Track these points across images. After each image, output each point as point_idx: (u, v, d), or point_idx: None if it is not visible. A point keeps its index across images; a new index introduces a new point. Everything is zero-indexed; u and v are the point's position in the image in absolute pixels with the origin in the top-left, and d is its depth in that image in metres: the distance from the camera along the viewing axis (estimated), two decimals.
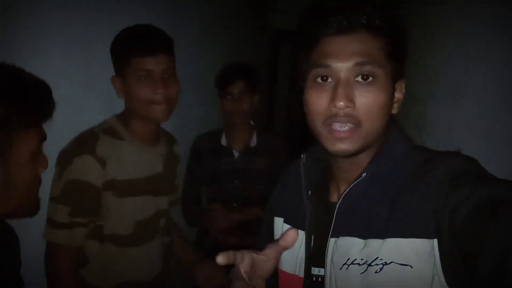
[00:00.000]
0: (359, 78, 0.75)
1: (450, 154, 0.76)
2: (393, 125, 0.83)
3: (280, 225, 0.94)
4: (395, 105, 0.82)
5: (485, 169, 0.71)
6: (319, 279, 0.82)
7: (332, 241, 0.79)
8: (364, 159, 0.80)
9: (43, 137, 0.87)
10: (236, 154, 1.98)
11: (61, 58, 1.43)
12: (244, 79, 1.94)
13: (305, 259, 0.85)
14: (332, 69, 0.75)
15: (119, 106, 1.35)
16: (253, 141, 1.98)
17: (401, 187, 0.75)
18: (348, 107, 0.73)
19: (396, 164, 0.79)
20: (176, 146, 1.55)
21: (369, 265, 0.73)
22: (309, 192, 0.87)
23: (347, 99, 0.73)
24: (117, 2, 1.63)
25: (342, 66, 0.75)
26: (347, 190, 0.80)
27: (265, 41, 4.27)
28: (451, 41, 1.72)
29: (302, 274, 0.85)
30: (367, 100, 0.74)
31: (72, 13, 1.45)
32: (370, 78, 0.74)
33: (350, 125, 0.74)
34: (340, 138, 0.75)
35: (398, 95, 0.82)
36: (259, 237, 1.02)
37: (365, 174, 0.78)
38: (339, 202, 0.80)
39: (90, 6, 1.51)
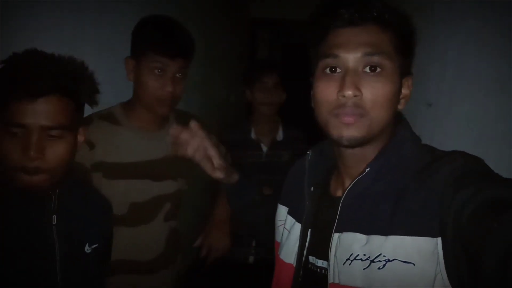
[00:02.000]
0: (367, 69, 0.75)
1: (457, 153, 0.76)
2: (402, 123, 0.83)
3: (284, 213, 0.97)
4: (402, 101, 0.81)
5: (491, 169, 0.71)
6: (323, 271, 0.83)
7: (336, 236, 0.79)
8: (369, 154, 0.80)
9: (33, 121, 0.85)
10: (264, 148, 2.02)
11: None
12: (278, 72, 2.03)
13: (298, 251, 0.87)
14: (341, 59, 0.76)
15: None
16: (280, 135, 2.04)
17: (406, 185, 0.75)
18: (356, 96, 0.74)
19: (402, 162, 0.78)
20: None
21: (372, 261, 0.73)
22: (311, 188, 0.88)
23: (355, 88, 0.74)
24: None
25: (351, 56, 0.75)
26: (351, 185, 0.80)
27: (245, 29, 4.29)
28: (447, 39, 1.75)
29: (295, 264, 0.88)
30: (374, 90, 0.74)
31: (70, 12, 1.45)
32: (378, 69, 0.75)
33: (357, 114, 0.75)
34: (346, 123, 0.75)
35: (405, 91, 0.81)
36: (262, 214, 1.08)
37: (368, 169, 0.78)
38: (343, 197, 0.80)
39: (89, 5, 1.51)
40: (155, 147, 1.38)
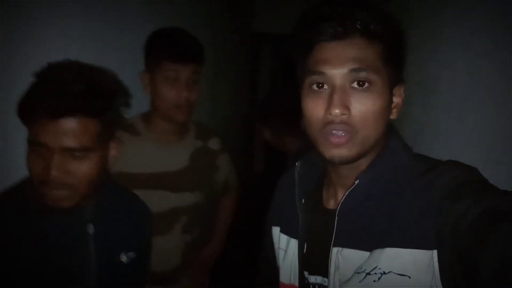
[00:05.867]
0: (355, 85, 0.73)
1: (451, 164, 0.74)
2: (392, 133, 0.82)
3: (277, 234, 0.92)
4: (394, 110, 0.79)
5: (486, 179, 0.70)
6: (316, 286, 0.81)
7: (334, 250, 0.77)
8: (363, 164, 0.78)
9: (51, 139, 0.83)
10: None
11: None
12: None
13: (298, 267, 0.84)
14: (327, 76, 0.74)
15: None
16: None
17: (401, 197, 0.73)
18: (344, 114, 0.72)
19: (396, 173, 0.77)
20: (213, 141, 1.56)
21: (368, 273, 0.71)
22: (302, 200, 0.86)
23: (342, 106, 0.72)
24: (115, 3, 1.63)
25: (337, 73, 0.73)
26: (344, 197, 0.78)
27: (247, 44, 4.35)
28: (449, 45, 1.78)
29: (297, 283, 0.85)
30: (363, 107, 0.72)
31: (72, 11, 1.44)
32: (366, 84, 0.73)
33: (346, 132, 0.73)
34: (337, 144, 0.73)
35: (396, 100, 0.79)
36: (264, 245, 1.02)
37: (358, 181, 0.77)
38: (338, 210, 0.78)
39: (89, 5, 1.51)
40: (173, 158, 1.41)
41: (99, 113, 0.87)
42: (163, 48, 1.32)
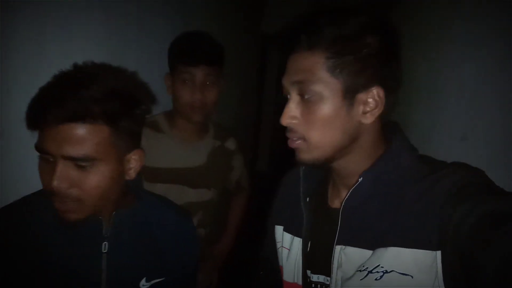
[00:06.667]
0: (305, 94, 0.76)
1: (457, 165, 0.75)
2: (398, 133, 0.82)
3: (280, 233, 0.94)
4: (367, 115, 0.77)
5: (491, 181, 0.71)
6: (318, 285, 0.82)
7: (338, 248, 0.78)
8: (363, 165, 0.80)
9: (45, 149, 0.76)
10: None
11: (62, 57, 1.32)
12: None
13: (302, 266, 0.86)
14: (285, 87, 0.79)
15: None
16: None
17: (405, 197, 0.74)
18: (294, 121, 0.77)
19: (400, 173, 0.78)
20: (230, 141, 1.63)
21: (370, 272, 0.72)
22: (307, 199, 0.88)
23: (287, 116, 0.77)
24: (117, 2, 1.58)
25: (287, 84, 0.79)
26: (348, 196, 0.79)
27: (255, 44, 4.38)
28: (440, 44, 1.82)
29: (300, 282, 0.86)
30: (309, 116, 0.76)
31: (73, 12, 1.42)
32: (312, 95, 0.75)
33: (296, 138, 0.78)
34: (293, 148, 0.79)
35: (365, 105, 0.77)
36: (265, 245, 1.03)
37: (361, 178, 0.78)
38: (341, 208, 0.80)
39: (90, 4, 1.47)
40: (193, 156, 1.47)
41: (112, 120, 0.78)
42: (178, 52, 1.40)
